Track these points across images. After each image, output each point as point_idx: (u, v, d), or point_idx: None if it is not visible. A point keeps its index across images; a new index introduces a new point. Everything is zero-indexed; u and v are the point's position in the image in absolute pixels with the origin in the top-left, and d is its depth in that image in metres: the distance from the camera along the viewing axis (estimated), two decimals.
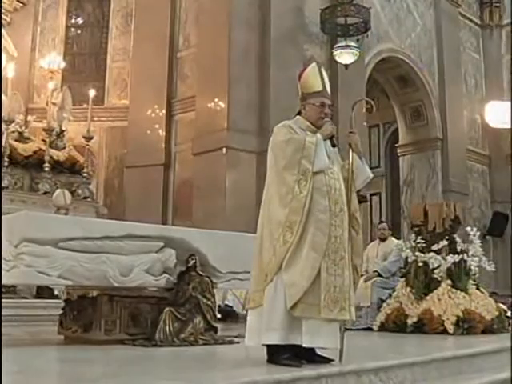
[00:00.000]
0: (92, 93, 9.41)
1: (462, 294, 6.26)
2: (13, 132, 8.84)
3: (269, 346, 3.46)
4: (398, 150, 14.54)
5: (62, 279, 4.17)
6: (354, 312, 3.56)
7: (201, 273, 4.74)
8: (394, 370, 3.64)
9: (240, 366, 3.56)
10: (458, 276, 6.35)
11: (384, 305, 6.68)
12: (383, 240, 7.66)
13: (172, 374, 3.30)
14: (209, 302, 4.69)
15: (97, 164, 10.82)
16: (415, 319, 6.23)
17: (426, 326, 6.13)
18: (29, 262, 4.03)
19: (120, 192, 10.79)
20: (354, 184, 3.79)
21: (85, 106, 9.61)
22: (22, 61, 10.46)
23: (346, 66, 10.84)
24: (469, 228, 6.64)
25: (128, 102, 11.06)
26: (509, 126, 14.12)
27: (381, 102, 15.72)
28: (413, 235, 6.75)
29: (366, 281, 7.18)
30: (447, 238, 6.52)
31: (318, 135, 3.65)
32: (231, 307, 7.77)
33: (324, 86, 3.79)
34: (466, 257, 6.40)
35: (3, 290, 6.62)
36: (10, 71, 8.70)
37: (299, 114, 3.83)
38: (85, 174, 9.30)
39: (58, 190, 7.62)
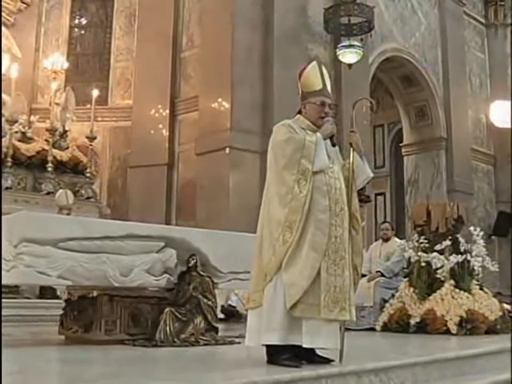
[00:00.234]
0: (95, 93, 9.44)
1: (466, 294, 6.23)
2: (16, 132, 8.86)
3: (268, 347, 3.45)
4: (403, 150, 14.50)
5: (61, 279, 4.16)
6: (354, 312, 3.54)
7: (201, 273, 4.72)
8: (394, 370, 3.61)
9: (240, 366, 3.55)
10: (462, 276, 6.31)
11: (387, 305, 6.66)
12: (386, 240, 7.62)
13: (171, 374, 3.29)
14: (209, 303, 4.68)
15: (100, 164, 10.81)
16: (418, 319, 6.21)
17: (428, 326, 6.10)
18: (28, 262, 4.02)
19: (123, 192, 10.79)
20: (355, 183, 3.77)
21: (88, 106, 9.63)
22: (26, 61, 10.47)
23: (350, 65, 10.81)
24: (472, 228, 6.61)
25: (131, 102, 11.05)
26: (509, 126, 14.07)
27: (385, 102, 15.70)
28: (415, 235, 6.71)
29: (368, 281, 7.15)
30: (450, 237, 6.49)
31: (318, 134, 3.62)
32: (234, 307, 7.75)
33: (324, 85, 3.76)
34: (469, 257, 6.36)
35: (6, 290, 6.65)
36: (13, 72, 8.72)
37: (299, 113, 3.81)
38: (88, 174, 9.32)
39: (61, 190, 7.62)
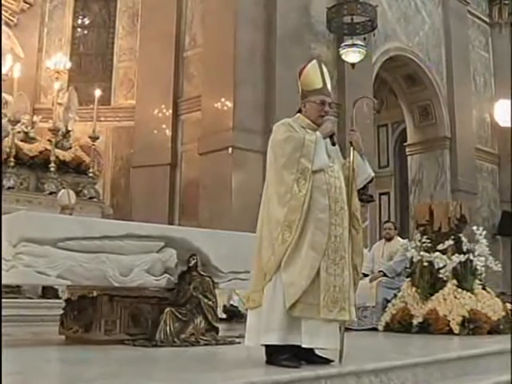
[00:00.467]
0: (98, 93, 9.43)
1: (468, 294, 6.20)
2: (19, 132, 8.87)
3: (268, 347, 3.43)
4: (407, 150, 14.45)
5: (61, 279, 4.15)
6: (354, 312, 3.52)
7: (202, 273, 4.71)
8: (395, 370, 3.59)
9: (239, 366, 3.53)
10: (464, 276, 6.29)
11: (389, 305, 6.64)
12: (389, 240, 7.59)
13: (169, 374, 3.28)
14: (210, 302, 4.66)
15: (103, 164, 10.81)
16: (420, 319, 6.18)
17: (431, 326, 6.08)
18: (28, 261, 4.02)
19: (126, 192, 10.78)
20: (355, 182, 3.75)
21: (91, 106, 9.63)
22: (29, 61, 10.47)
23: (353, 65, 10.78)
24: (475, 227, 6.57)
25: (134, 102, 11.04)
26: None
27: (389, 102, 15.67)
28: (418, 235, 6.68)
29: (371, 281, 7.13)
30: (453, 237, 6.46)
31: (318, 133, 3.60)
32: (236, 307, 7.74)
33: (324, 83, 3.74)
34: (472, 256, 6.33)
35: (8, 290, 6.65)
36: (16, 72, 8.74)
37: (300, 111, 3.79)
38: (91, 174, 9.33)
39: (63, 190, 7.62)
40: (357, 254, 3.66)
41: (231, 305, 7.76)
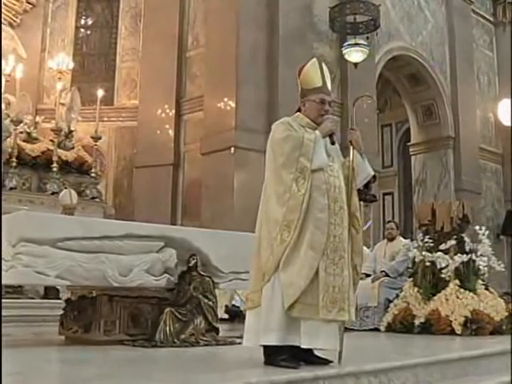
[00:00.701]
0: (100, 93, 9.43)
1: (471, 294, 6.17)
2: (21, 132, 8.88)
3: (266, 347, 3.41)
4: (410, 149, 14.41)
5: (60, 279, 4.14)
6: (353, 313, 3.50)
7: (202, 273, 4.69)
8: (395, 371, 3.57)
9: (237, 367, 3.52)
10: (467, 276, 6.25)
11: (391, 305, 6.61)
12: (391, 240, 7.56)
13: (169, 375, 3.27)
14: (210, 303, 4.65)
15: (106, 164, 10.80)
16: (422, 320, 6.15)
17: (433, 326, 6.05)
18: (27, 261, 4.01)
19: (129, 192, 10.78)
20: (355, 182, 3.72)
21: (94, 106, 9.62)
22: (32, 62, 10.48)
23: (356, 64, 10.74)
24: (477, 227, 6.54)
25: (137, 102, 11.04)
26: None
27: (392, 101, 15.64)
28: (420, 234, 6.65)
29: (373, 281, 7.11)
30: (455, 237, 6.43)
31: (317, 132, 3.58)
32: (238, 307, 7.72)
33: (324, 82, 3.73)
34: (474, 256, 6.30)
35: (10, 290, 6.66)
36: (19, 72, 8.75)
37: (299, 110, 3.78)
38: (93, 175, 9.33)
39: (65, 190, 7.61)
40: (356, 253, 3.64)
41: (233, 305, 7.75)
